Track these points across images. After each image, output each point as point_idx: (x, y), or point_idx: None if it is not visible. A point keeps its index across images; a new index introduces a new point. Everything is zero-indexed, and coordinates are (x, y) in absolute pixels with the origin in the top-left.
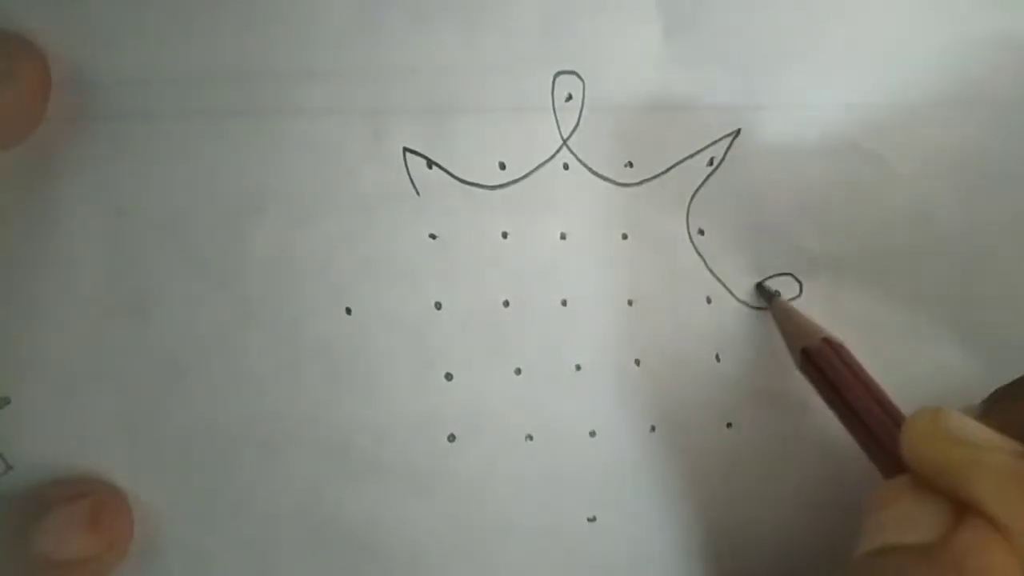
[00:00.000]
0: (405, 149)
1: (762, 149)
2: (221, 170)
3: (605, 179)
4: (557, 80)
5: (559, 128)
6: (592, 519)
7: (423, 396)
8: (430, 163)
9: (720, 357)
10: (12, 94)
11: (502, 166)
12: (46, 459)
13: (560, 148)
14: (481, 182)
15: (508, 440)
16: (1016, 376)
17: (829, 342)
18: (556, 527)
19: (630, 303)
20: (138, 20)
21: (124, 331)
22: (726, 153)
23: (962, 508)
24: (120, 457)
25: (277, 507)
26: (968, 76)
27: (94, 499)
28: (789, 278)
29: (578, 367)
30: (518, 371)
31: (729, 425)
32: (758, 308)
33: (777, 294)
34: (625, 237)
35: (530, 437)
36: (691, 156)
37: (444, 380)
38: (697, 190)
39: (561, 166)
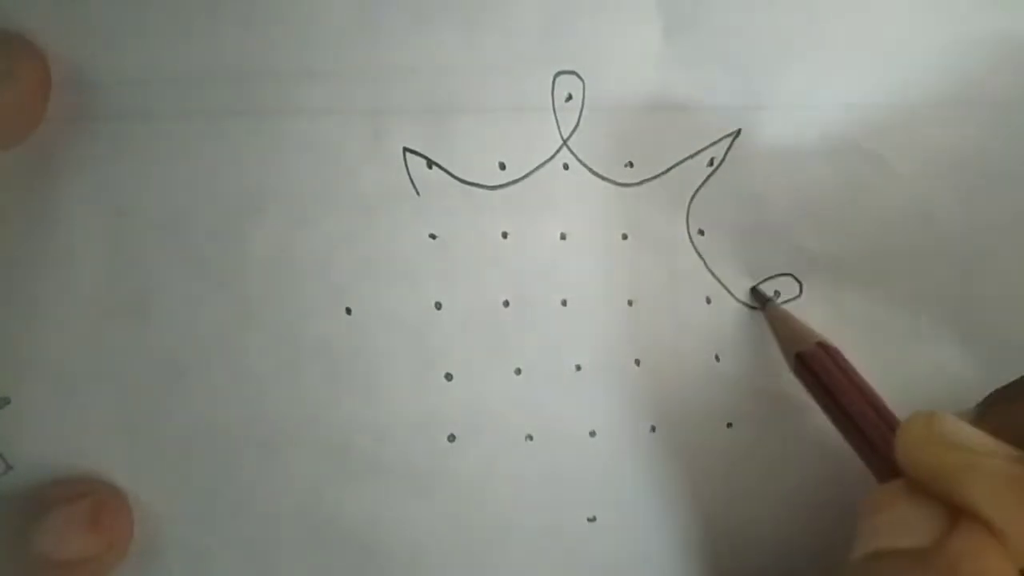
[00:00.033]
0: (405, 149)
1: (762, 149)
2: (221, 170)
3: (605, 179)
4: (557, 80)
5: (559, 128)
6: (592, 519)
7: (423, 396)
8: (430, 163)
9: (720, 357)
10: (12, 94)
11: (502, 166)
12: (46, 459)
13: (560, 148)
14: (481, 182)
15: (508, 440)
16: (1016, 376)
17: (823, 346)
18: (556, 527)
19: (630, 303)
20: (138, 20)
21: (124, 331)
22: (726, 153)
23: (957, 512)
24: (120, 457)
25: (277, 507)
26: (968, 76)
27: (94, 499)
28: (789, 278)
29: (578, 367)
30: (518, 371)
31: (729, 425)
32: (757, 308)
33: (771, 299)
34: (625, 237)
35: (530, 437)
36: (691, 156)
37: (444, 380)
38: (697, 190)
39: (561, 166)
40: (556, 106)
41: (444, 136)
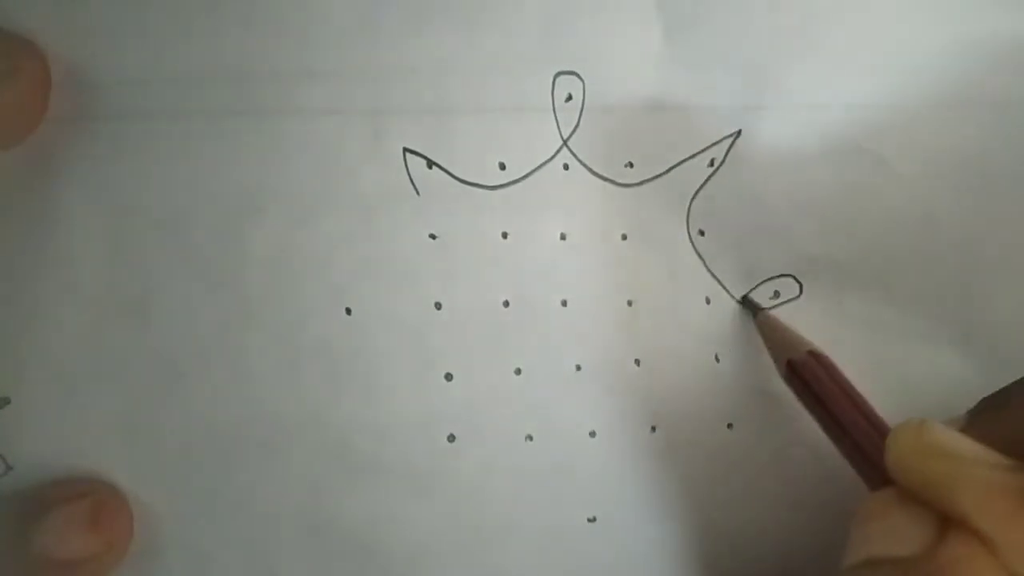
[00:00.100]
0: (405, 149)
1: (763, 150)
2: (221, 170)
3: (605, 179)
4: (557, 80)
5: (559, 128)
6: (592, 519)
7: (423, 396)
8: (430, 163)
9: (720, 358)
10: (12, 94)
11: (502, 166)
12: (46, 459)
13: (560, 148)
14: (481, 182)
15: (508, 440)
16: (1015, 377)
17: (814, 354)
18: (556, 527)
19: (630, 303)
20: (138, 20)
21: (124, 331)
22: (727, 154)
23: (948, 521)
24: (120, 457)
25: (277, 507)
26: (968, 76)
27: (94, 499)
28: (789, 279)
29: (578, 367)
30: (518, 371)
31: (730, 426)
32: (762, 305)
33: (762, 307)
34: (625, 238)
35: (530, 437)
36: (692, 157)
37: (444, 380)
38: (698, 191)
39: (561, 166)
40: (556, 106)
41: (444, 136)
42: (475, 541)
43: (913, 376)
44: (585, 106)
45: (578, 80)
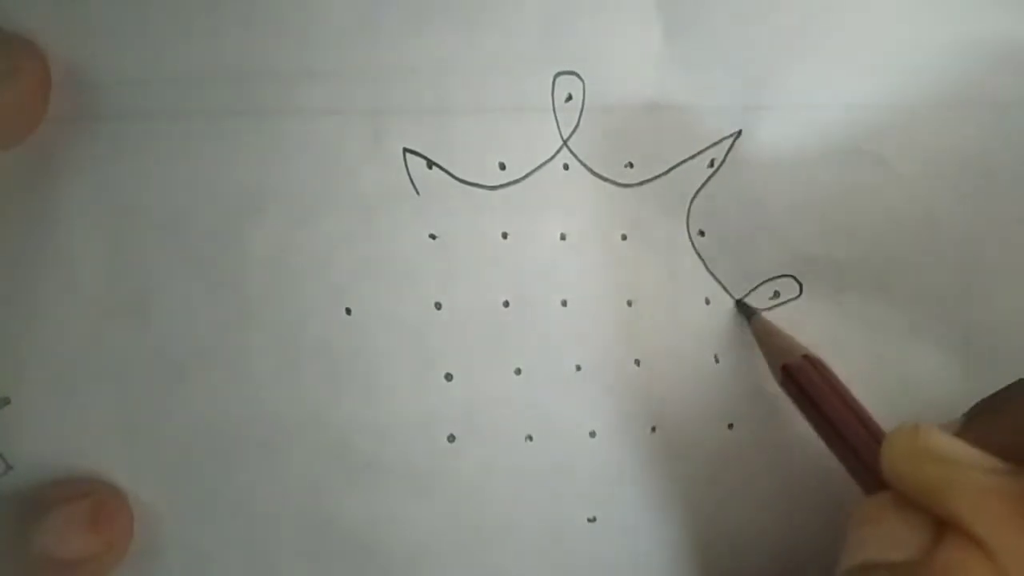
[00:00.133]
0: (405, 149)
1: (763, 150)
2: (221, 170)
3: (605, 180)
4: (557, 80)
5: (559, 128)
6: (592, 519)
7: (423, 396)
8: (430, 163)
9: (719, 358)
10: (12, 94)
11: (502, 166)
12: (46, 459)
13: (560, 148)
14: (481, 182)
15: (508, 440)
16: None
17: (809, 359)
18: (556, 527)
19: (630, 303)
20: (138, 20)
21: (124, 331)
22: (727, 154)
23: (943, 525)
24: (120, 457)
25: (277, 507)
26: (968, 76)
27: (94, 499)
28: (789, 279)
29: (578, 367)
30: (518, 371)
31: (730, 426)
32: (757, 309)
33: (757, 311)
34: (625, 238)
35: (530, 437)
36: (692, 157)
37: (444, 380)
38: (698, 191)
39: (561, 166)
40: (556, 106)
41: (444, 136)
42: (475, 541)
43: (913, 376)
44: (585, 106)
45: (578, 80)
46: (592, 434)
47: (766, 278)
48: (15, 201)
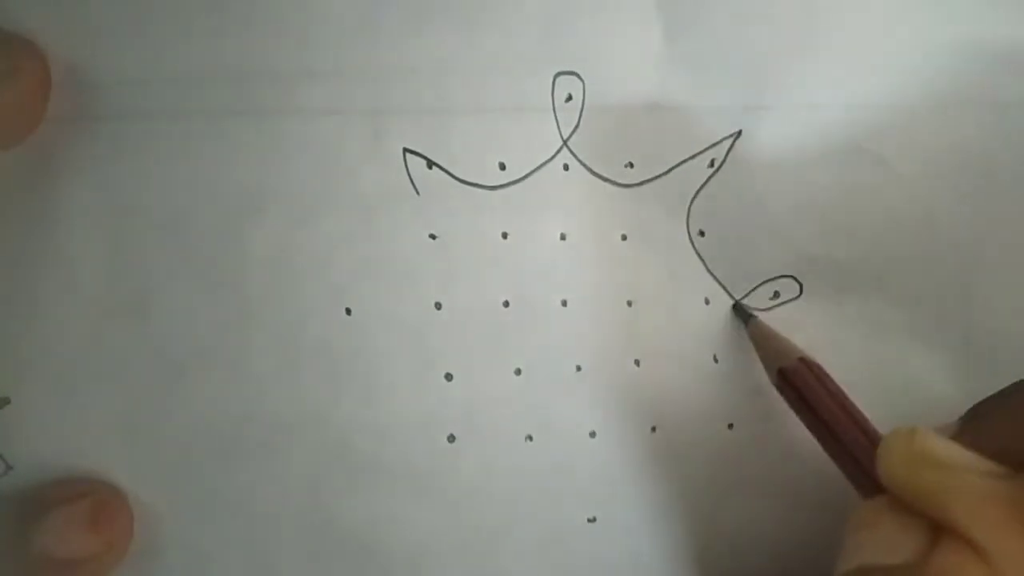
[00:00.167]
0: (405, 149)
1: (763, 150)
2: (221, 170)
3: (605, 180)
4: (557, 80)
5: (559, 128)
6: (592, 519)
7: (423, 396)
8: (430, 163)
9: (718, 358)
10: (12, 94)
11: (502, 166)
12: (46, 459)
13: (560, 149)
14: (481, 182)
15: (508, 440)
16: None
17: (805, 362)
18: (556, 527)
19: (630, 304)
20: (138, 20)
21: (124, 331)
22: (727, 154)
23: (940, 529)
24: (120, 457)
25: (277, 507)
26: (969, 76)
27: (94, 499)
28: (789, 279)
29: (578, 367)
30: (518, 371)
31: (730, 426)
32: (757, 309)
33: (753, 315)
34: (625, 238)
35: (530, 437)
36: (692, 157)
37: (444, 380)
38: (698, 191)
39: (561, 166)
40: (556, 106)
41: (444, 136)
42: (475, 541)
43: (913, 376)
44: (585, 106)
45: (578, 80)
46: (592, 434)
47: (766, 278)
48: (15, 201)
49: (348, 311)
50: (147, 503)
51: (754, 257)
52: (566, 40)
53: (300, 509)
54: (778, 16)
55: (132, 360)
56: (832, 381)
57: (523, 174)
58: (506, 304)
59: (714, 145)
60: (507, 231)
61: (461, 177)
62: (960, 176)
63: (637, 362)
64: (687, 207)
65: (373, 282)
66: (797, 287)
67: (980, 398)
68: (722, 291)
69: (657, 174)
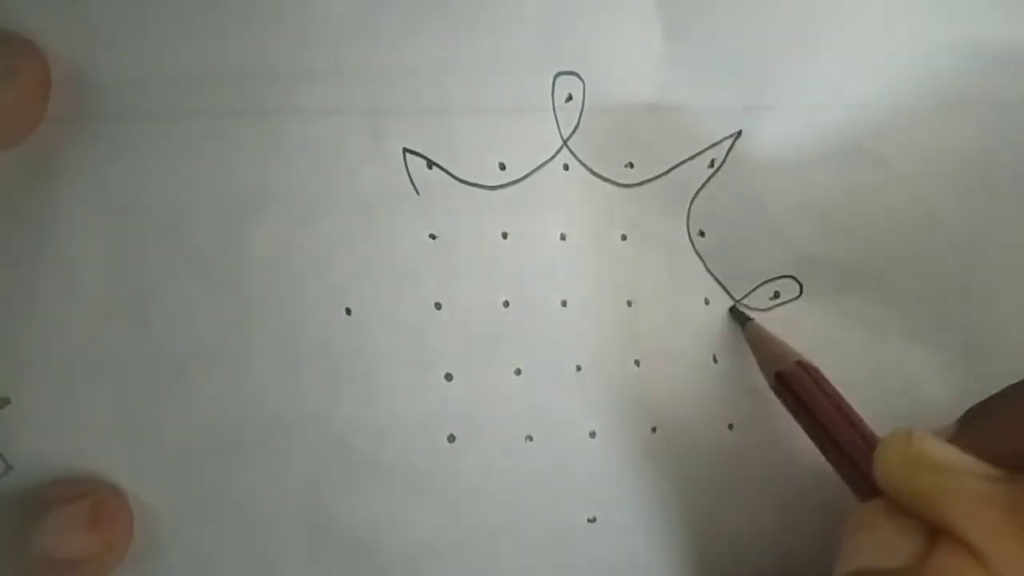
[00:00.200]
0: (405, 149)
1: (763, 151)
2: (221, 170)
3: (605, 180)
4: (557, 80)
5: (559, 128)
6: (592, 519)
7: (423, 396)
8: (430, 163)
9: (717, 358)
10: (12, 94)
11: (502, 166)
12: (46, 459)
13: (560, 149)
14: (481, 182)
15: (508, 440)
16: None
17: (802, 365)
18: (556, 527)
19: (629, 304)
20: (138, 20)
21: (124, 331)
22: (727, 154)
23: (937, 532)
24: (120, 457)
25: (277, 507)
26: (969, 76)
27: (94, 499)
28: (790, 280)
29: (578, 367)
30: (518, 371)
31: (730, 426)
32: (757, 310)
33: (750, 318)
34: (625, 238)
35: (530, 438)
36: (692, 157)
37: (444, 380)
38: (698, 192)
39: (561, 167)
40: (556, 106)
41: (444, 136)
42: (475, 541)
43: (913, 376)
44: (585, 106)
45: (578, 80)
46: (592, 434)
47: (766, 278)
48: (15, 201)
49: (348, 311)
50: (147, 503)
51: (754, 257)
52: (566, 40)
53: (300, 509)
54: (778, 16)
55: (132, 360)
56: (829, 384)
57: (523, 174)
58: (506, 304)
59: (714, 145)
60: (507, 231)
61: (461, 177)
62: (960, 176)
63: (637, 362)
64: (687, 207)
65: (373, 282)
66: (797, 287)
67: (980, 398)
68: (722, 291)
69: (657, 174)
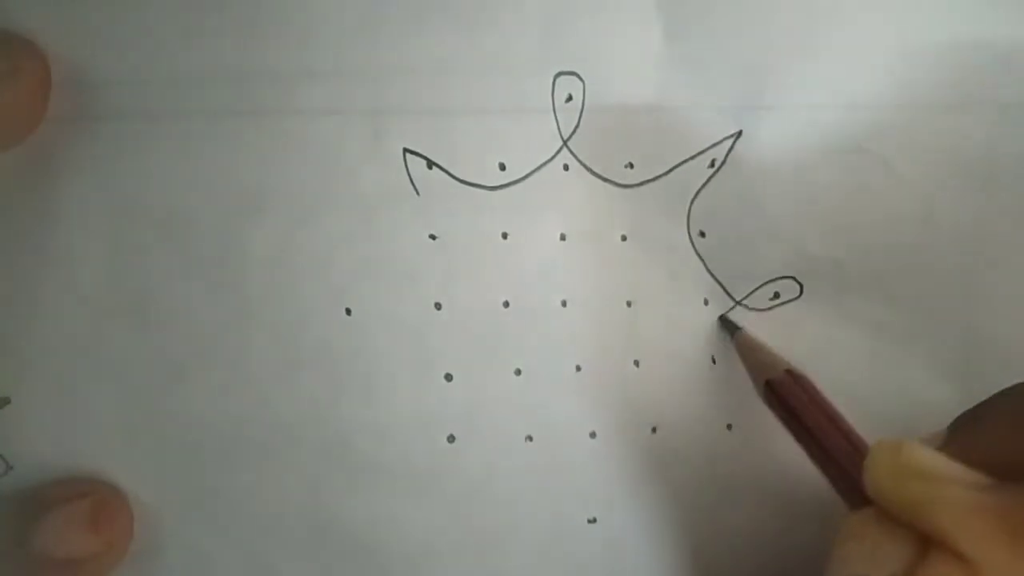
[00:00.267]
0: (405, 149)
1: (764, 151)
2: (221, 170)
3: (605, 180)
4: (557, 80)
5: (559, 129)
6: (592, 520)
7: (423, 396)
8: (430, 163)
9: (716, 359)
10: (12, 94)
11: (502, 167)
12: (46, 459)
13: (560, 149)
14: (481, 182)
15: (508, 440)
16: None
17: (792, 373)
18: (556, 527)
19: (629, 304)
20: (138, 20)
21: (124, 331)
22: (727, 155)
23: (928, 541)
24: (120, 457)
25: (277, 507)
26: (969, 76)
27: (94, 499)
28: (790, 280)
29: (578, 368)
30: (518, 371)
31: (729, 427)
32: (757, 310)
33: (740, 327)
34: (625, 238)
35: (530, 438)
36: (692, 157)
37: (444, 380)
38: (698, 192)
39: (561, 167)
40: (556, 106)
41: (444, 136)
42: (475, 541)
43: (912, 377)
44: (585, 106)
45: (578, 80)
46: (592, 434)
47: (766, 279)
48: (15, 201)
49: (348, 311)
50: (147, 503)
51: (754, 258)
52: (566, 40)
53: (300, 509)
54: (778, 16)
55: (132, 360)
56: (819, 393)
57: (523, 174)
58: (506, 304)
59: (714, 145)
60: (507, 231)
61: (461, 177)
62: (960, 176)
63: (636, 363)
64: (687, 207)
65: (373, 282)
66: (797, 287)
67: (979, 399)
68: (722, 292)
69: (657, 174)
